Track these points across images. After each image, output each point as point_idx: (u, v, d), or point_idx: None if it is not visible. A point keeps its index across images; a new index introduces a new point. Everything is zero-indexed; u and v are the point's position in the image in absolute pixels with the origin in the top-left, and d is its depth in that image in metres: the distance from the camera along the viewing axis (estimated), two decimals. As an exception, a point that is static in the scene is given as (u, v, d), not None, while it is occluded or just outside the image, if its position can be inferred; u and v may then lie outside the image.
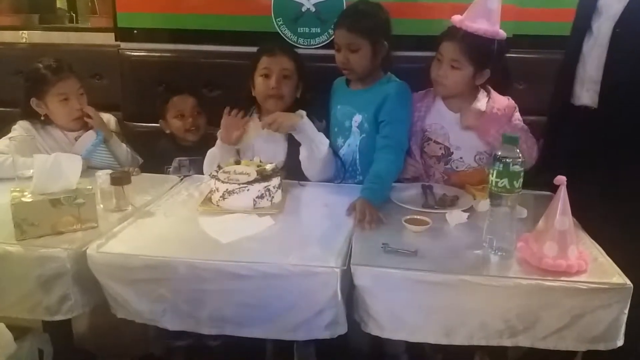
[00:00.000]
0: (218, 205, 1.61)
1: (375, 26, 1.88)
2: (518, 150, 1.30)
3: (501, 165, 1.30)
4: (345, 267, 1.29)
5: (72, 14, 3.32)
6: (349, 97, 1.98)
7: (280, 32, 2.40)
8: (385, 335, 1.31)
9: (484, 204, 1.57)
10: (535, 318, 1.25)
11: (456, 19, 1.81)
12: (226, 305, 1.32)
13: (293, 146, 1.92)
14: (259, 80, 1.98)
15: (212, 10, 2.45)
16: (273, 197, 1.62)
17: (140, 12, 2.51)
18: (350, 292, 1.33)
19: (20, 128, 1.99)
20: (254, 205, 1.59)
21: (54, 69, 2.01)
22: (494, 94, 1.89)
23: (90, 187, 1.50)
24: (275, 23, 2.40)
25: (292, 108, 1.96)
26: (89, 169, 1.83)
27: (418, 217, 1.51)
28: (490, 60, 1.81)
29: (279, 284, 1.29)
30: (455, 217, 1.52)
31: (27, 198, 1.41)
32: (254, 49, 2.07)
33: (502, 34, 1.80)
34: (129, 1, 2.50)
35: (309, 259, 1.31)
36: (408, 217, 1.50)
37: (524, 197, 1.35)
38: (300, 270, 1.28)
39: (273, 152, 1.94)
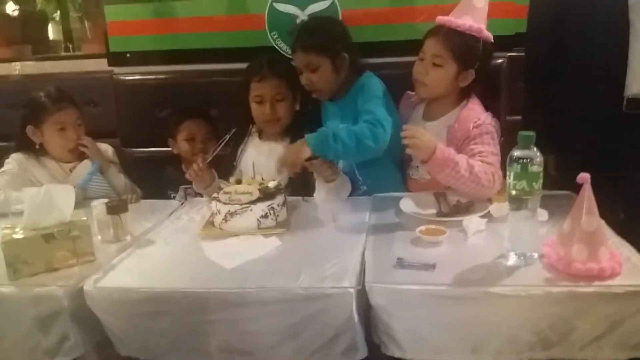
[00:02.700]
0: (221, 229, 1.53)
1: (329, 40, 1.82)
2: (535, 149, 1.21)
3: (518, 167, 1.21)
4: (360, 287, 1.20)
5: (68, 44, 3.28)
6: (333, 111, 1.93)
7: (276, 46, 2.34)
8: (407, 356, 1.22)
9: (501, 208, 1.48)
10: (570, 328, 1.15)
11: (441, 18, 1.74)
12: (234, 335, 1.23)
13: None
14: (253, 106, 1.95)
15: (204, 28, 2.40)
16: (278, 215, 1.54)
17: (132, 35, 2.46)
18: (367, 312, 1.24)
19: (13, 161, 1.93)
20: (259, 225, 1.51)
21: (54, 99, 1.96)
22: (472, 105, 1.76)
23: (85, 218, 1.42)
24: (270, 37, 2.34)
25: (292, 123, 1.93)
26: (85, 200, 1.77)
27: (433, 227, 1.42)
28: (475, 60, 1.73)
29: (289, 309, 1.20)
30: (473, 224, 1.43)
31: (18, 234, 1.34)
32: None
33: (488, 34, 1.72)
34: (120, 25, 2.45)
35: (320, 280, 1.22)
36: (422, 227, 1.41)
37: (543, 198, 1.25)
38: (311, 293, 1.19)
39: (274, 167, 1.86)
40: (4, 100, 2.51)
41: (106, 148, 2.09)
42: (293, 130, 1.95)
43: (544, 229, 1.37)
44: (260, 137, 2.01)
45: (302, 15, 2.26)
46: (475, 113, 1.72)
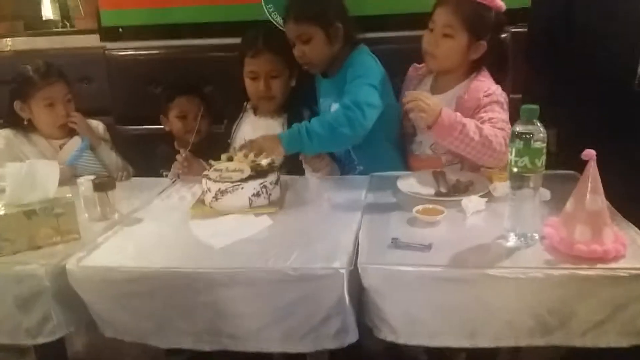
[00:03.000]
0: (211, 207, 1.47)
1: (322, 9, 1.74)
2: (539, 124, 1.15)
3: (521, 143, 1.15)
4: (352, 267, 1.14)
5: (65, 22, 3.21)
6: (326, 87, 1.86)
7: (272, 20, 2.27)
8: (400, 340, 1.17)
9: (502, 188, 1.42)
10: (571, 312, 1.10)
11: None
12: (222, 317, 1.19)
13: None
14: (247, 82, 1.88)
15: (199, 1, 2.33)
16: (270, 194, 1.48)
17: (125, 8, 2.39)
18: (359, 294, 1.19)
19: (0, 138, 1.87)
20: (250, 204, 1.46)
21: (42, 73, 1.90)
22: (482, 78, 1.69)
23: (70, 194, 1.37)
24: (266, 10, 2.28)
25: (288, 100, 1.89)
26: (75, 178, 1.71)
27: (430, 206, 1.37)
28: (487, 31, 1.65)
29: (279, 290, 1.15)
30: (472, 203, 1.37)
31: (0, 211, 1.29)
32: None
33: (500, 3, 1.65)
34: (112, -2, 2.38)
35: (311, 260, 1.17)
36: (419, 207, 1.36)
37: (545, 178, 1.20)
38: (301, 274, 1.14)
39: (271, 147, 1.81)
40: (-5, 76, 2.46)
41: (97, 124, 2.04)
42: (289, 107, 1.89)
43: (546, 209, 1.31)
44: (255, 113, 1.95)
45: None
46: (485, 84, 1.66)
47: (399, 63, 1.89)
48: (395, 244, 1.21)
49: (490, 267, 1.11)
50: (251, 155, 1.59)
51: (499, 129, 1.51)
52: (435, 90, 1.76)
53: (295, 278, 1.14)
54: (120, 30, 2.40)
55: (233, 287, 1.16)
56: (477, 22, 1.63)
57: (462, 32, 1.63)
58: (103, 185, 1.45)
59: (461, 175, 1.59)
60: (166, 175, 1.93)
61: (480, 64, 1.71)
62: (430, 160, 1.73)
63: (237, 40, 2.13)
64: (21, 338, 1.26)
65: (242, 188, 1.44)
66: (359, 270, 1.14)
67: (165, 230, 1.40)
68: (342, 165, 1.79)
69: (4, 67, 2.42)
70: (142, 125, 2.37)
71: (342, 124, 1.57)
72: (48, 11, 3.19)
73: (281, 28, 2.18)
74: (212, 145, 1.90)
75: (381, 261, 1.16)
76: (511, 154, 1.16)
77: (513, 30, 2.01)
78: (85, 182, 1.48)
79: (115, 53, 2.38)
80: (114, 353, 1.86)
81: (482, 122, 1.53)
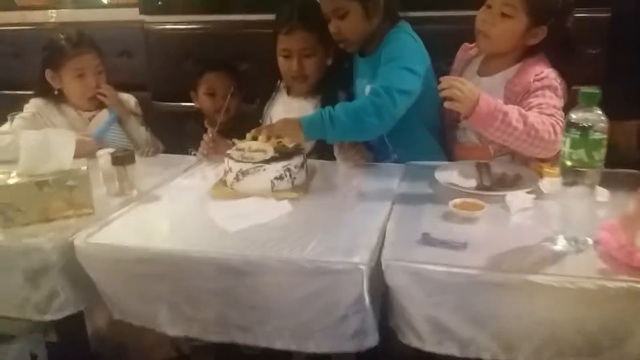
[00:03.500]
0: (232, 188, 1.38)
1: None
2: (600, 112, 0.99)
3: (577, 132, 0.99)
4: (373, 264, 1.03)
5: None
6: (362, 68, 1.71)
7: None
8: (427, 348, 1.05)
9: (553, 184, 1.27)
10: (627, 332, 0.95)
11: None
12: (232, 307, 1.10)
13: None
14: (280, 60, 1.77)
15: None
16: (295, 178, 1.38)
17: (165, -20, 2.32)
18: (383, 293, 1.07)
19: (31, 106, 1.86)
20: (272, 187, 1.36)
21: (73, 42, 1.86)
22: (532, 60, 1.51)
23: (85, 167, 1.31)
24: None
25: (324, 80, 1.77)
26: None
27: (470, 200, 1.23)
28: (551, 14, 1.48)
29: (293, 283, 1.05)
30: (517, 200, 1.23)
31: (12, 180, 1.24)
32: None
33: None
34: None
35: (330, 252, 1.06)
36: (457, 200, 1.22)
37: (605, 176, 1.04)
38: (317, 266, 1.03)
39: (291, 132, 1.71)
40: (38, 47, 2.45)
41: (128, 98, 1.99)
42: (324, 88, 1.77)
43: (603, 211, 1.15)
44: (288, 93, 1.85)
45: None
46: (538, 67, 1.49)
47: (446, 45, 1.73)
48: (426, 239, 1.09)
49: (534, 273, 0.97)
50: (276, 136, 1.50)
51: (547, 115, 1.35)
52: (483, 72, 1.60)
53: (311, 271, 1.03)
54: (160, 3, 2.34)
55: (244, 276, 1.07)
56: (541, 4, 1.46)
57: (522, 13, 1.46)
58: (122, 159, 1.39)
59: (508, 168, 1.44)
60: (194, 154, 1.86)
61: (537, 50, 1.54)
62: (477, 149, 1.58)
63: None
64: (29, 313, 1.22)
65: (265, 170, 1.35)
66: (383, 267, 1.03)
67: (182, 210, 1.32)
68: (375, 152, 1.65)
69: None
70: (179, 102, 2.30)
71: (368, 113, 1.43)
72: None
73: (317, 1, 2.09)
74: (243, 125, 1.82)
75: (408, 258, 1.03)
76: (565, 145, 1.01)
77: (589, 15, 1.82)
78: (104, 155, 1.42)
79: (153, 27, 2.33)
80: (136, 331, 1.81)
81: (529, 109, 1.38)
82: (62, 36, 1.86)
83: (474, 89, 1.33)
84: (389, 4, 1.60)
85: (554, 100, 1.41)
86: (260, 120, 1.85)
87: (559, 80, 1.48)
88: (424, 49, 1.61)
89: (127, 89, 2.05)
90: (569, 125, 1.00)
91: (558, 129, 1.31)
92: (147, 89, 2.33)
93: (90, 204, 1.29)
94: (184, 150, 1.94)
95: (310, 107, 1.77)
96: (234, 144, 1.44)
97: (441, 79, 1.36)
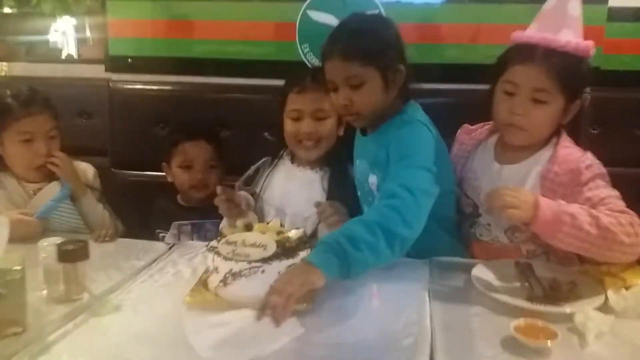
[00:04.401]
0: (216, 294, 1.06)
1: (383, 46, 1.31)
2: None
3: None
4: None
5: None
6: (363, 147, 1.43)
7: (306, 61, 1.95)
8: None
9: (627, 298, 1.01)
10: None
11: (526, 33, 1.30)
12: None
13: (333, 189, 1.47)
14: (288, 123, 1.52)
15: (222, 34, 2.03)
16: (300, 282, 1.07)
17: (137, 37, 2.07)
18: None
19: (-36, 176, 1.51)
20: (271, 295, 1.04)
21: (22, 100, 1.55)
22: (567, 143, 1.33)
23: (20, 267, 0.97)
24: (300, 50, 1.95)
25: (333, 150, 1.52)
26: (48, 233, 1.35)
27: (533, 322, 0.95)
28: (584, 87, 1.34)
29: None
30: (592, 322, 0.95)
31: None
32: (272, 82, 1.70)
33: (592, 49, 1.28)
34: (124, 24, 2.06)
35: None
36: (520, 322, 0.94)
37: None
38: None
39: (307, 200, 1.45)
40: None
41: (86, 168, 1.66)
42: (333, 159, 1.52)
43: None
44: (292, 160, 1.58)
45: (340, 26, 1.86)
46: (577, 152, 1.30)
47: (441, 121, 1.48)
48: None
49: None
50: (276, 223, 1.20)
51: (618, 212, 1.12)
52: (503, 159, 1.37)
53: None
54: (130, 60, 2.07)
55: None
56: (574, 79, 1.27)
57: (557, 95, 1.26)
58: (71, 254, 1.05)
59: (555, 272, 1.18)
60: (163, 238, 1.54)
61: (560, 126, 1.34)
62: (505, 249, 1.33)
63: (264, 81, 1.90)
64: None
65: (263, 272, 1.03)
66: None
67: (149, 327, 0.98)
68: None
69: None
70: (143, 171, 2.01)
71: (396, 223, 1.10)
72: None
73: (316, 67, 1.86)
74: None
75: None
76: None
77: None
78: (47, 248, 1.08)
79: (120, 86, 2.05)
80: None
81: (592, 205, 1.15)
82: (8, 92, 1.55)
83: (528, 193, 1.14)
84: (409, 77, 1.37)
85: (613, 191, 1.19)
86: (256, 190, 1.56)
87: (601, 165, 1.28)
88: (440, 139, 1.37)
89: (82, 152, 1.77)
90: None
91: (637, 227, 1.07)
92: (104, 154, 2.05)
93: (22, 319, 0.94)
94: (149, 231, 1.63)
95: (316, 178, 1.52)
96: (221, 234, 1.13)
97: (485, 194, 1.17)
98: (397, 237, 1.09)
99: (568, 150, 1.30)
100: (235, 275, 1.04)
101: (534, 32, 1.29)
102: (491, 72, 1.35)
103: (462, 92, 1.84)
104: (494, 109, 1.35)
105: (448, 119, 1.45)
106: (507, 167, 1.36)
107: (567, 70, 1.25)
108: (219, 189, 1.43)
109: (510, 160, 1.37)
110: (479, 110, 1.44)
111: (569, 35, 1.26)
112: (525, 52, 1.28)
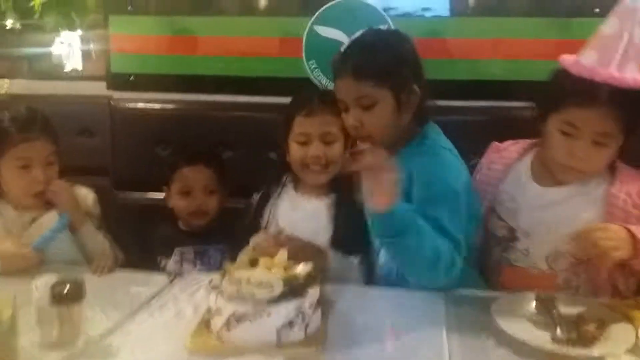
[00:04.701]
0: (219, 339, 1.00)
1: (396, 65, 1.25)
2: None
3: None
4: None
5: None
6: None
7: (313, 78, 1.89)
8: None
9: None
10: None
11: (586, 65, 1.16)
12: None
13: (340, 218, 1.41)
14: (294, 147, 1.45)
15: (226, 51, 1.97)
16: (308, 323, 1.00)
17: (140, 53, 2.02)
18: None
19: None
20: (279, 339, 0.97)
21: (20, 124, 1.47)
22: (620, 167, 1.27)
23: (9, 313, 0.91)
24: (307, 66, 1.89)
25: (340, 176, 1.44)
26: (45, 266, 1.31)
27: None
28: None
29: None
30: (626, 370, 0.88)
31: None
32: (277, 100, 1.66)
33: None
34: (126, 40, 2.01)
35: None
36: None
37: None
38: None
39: (314, 232, 1.39)
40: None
41: (86, 194, 1.58)
42: (339, 187, 1.45)
43: None
44: (296, 188, 1.51)
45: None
46: (636, 172, 1.25)
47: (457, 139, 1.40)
48: None
49: None
50: (282, 256, 1.14)
51: None
52: (542, 180, 1.30)
53: None
54: (131, 77, 2.02)
55: None
56: (636, 116, 1.18)
57: (620, 135, 1.19)
58: (66, 296, 0.99)
59: (580, 306, 1.11)
60: (164, 266, 1.48)
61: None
62: (541, 277, 1.27)
63: (268, 99, 1.86)
64: None
65: (269, 315, 0.97)
66: None
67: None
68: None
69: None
70: (145, 191, 1.95)
71: (446, 264, 1.11)
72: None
73: (324, 89, 1.80)
74: (233, 228, 1.48)
75: None
76: None
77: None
78: (41, 287, 1.02)
79: (122, 104, 2.01)
80: None
81: None
82: (7, 115, 1.48)
83: (616, 227, 1.08)
84: (424, 98, 1.30)
85: None
86: (259, 219, 1.50)
87: None
88: (463, 164, 1.30)
89: (83, 172, 1.71)
90: None
91: None
92: (107, 174, 1.99)
93: (11, 369, 0.88)
94: (149, 257, 1.57)
95: (322, 206, 1.45)
96: (225, 272, 1.06)
97: (571, 240, 1.13)
98: (436, 269, 1.11)
99: (627, 172, 1.26)
100: (239, 318, 0.97)
101: (593, 64, 1.16)
102: (540, 101, 1.27)
103: (474, 110, 1.78)
104: (547, 145, 1.27)
105: (462, 138, 1.38)
106: (553, 189, 1.29)
107: (630, 108, 1.16)
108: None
109: (552, 182, 1.29)
110: (493, 127, 1.39)
111: (634, 71, 1.15)
112: (587, 93, 1.16)
